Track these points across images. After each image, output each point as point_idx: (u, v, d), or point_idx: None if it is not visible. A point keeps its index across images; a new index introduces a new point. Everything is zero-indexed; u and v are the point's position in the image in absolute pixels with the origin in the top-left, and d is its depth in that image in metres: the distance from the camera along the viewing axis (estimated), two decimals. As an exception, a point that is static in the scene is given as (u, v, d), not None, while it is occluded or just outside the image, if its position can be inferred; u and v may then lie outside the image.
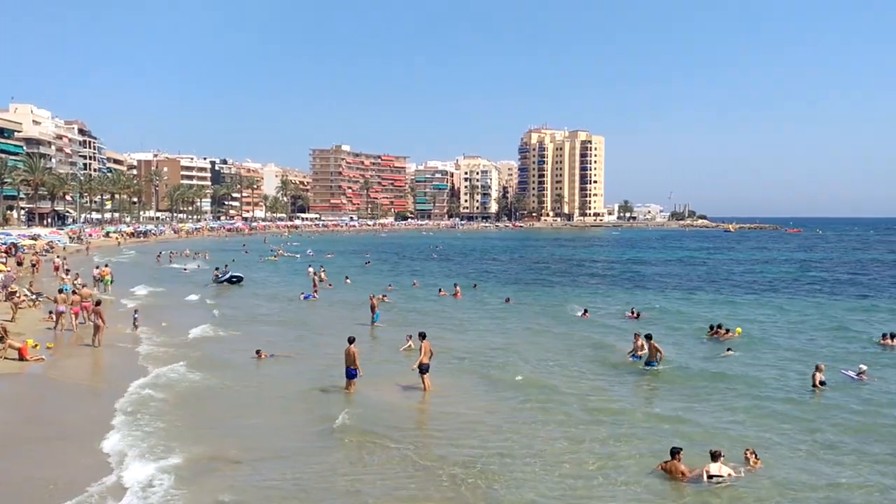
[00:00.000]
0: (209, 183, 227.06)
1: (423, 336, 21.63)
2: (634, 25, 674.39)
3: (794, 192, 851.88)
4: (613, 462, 15.06)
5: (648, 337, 25.06)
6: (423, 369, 20.99)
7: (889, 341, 28.98)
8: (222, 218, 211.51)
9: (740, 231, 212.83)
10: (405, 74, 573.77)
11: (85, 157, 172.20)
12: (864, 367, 23.19)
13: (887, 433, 17.07)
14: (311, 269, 59.15)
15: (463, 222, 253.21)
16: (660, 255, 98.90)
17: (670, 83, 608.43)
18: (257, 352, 25.76)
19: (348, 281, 54.44)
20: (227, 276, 53.29)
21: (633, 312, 38.17)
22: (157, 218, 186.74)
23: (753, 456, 14.80)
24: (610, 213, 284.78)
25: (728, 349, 27.85)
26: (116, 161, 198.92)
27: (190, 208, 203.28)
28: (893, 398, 20.60)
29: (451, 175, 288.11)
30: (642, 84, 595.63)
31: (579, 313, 37.67)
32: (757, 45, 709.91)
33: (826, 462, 15.15)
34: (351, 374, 20.49)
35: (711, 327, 31.71)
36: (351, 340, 20.84)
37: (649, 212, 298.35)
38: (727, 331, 30.92)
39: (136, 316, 31.94)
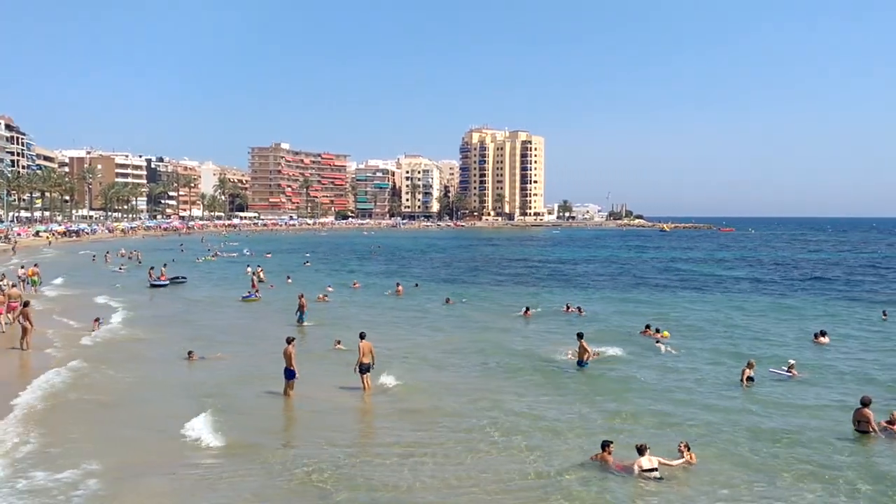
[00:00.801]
0: (145, 181, 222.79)
1: (362, 336, 21.49)
2: (573, 27, 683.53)
3: (730, 192, 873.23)
4: (544, 458, 15.14)
5: (580, 335, 25.25)
6: (364, 369, 20.90)
7: (821, 339, 29.70)
8: (159, 217, 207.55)
9: (675, 230, 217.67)
10: (345, 73, 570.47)
11: (12, 154, 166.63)
12: (792, 362, 23.83)
13: (812, 428, 17.50)
14: (249, 269, 58.65)
15: (404, 221, 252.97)
16: (594, 254, 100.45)
17: (609, 84, 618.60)
18: (189, 353, 25.36)
19: (290, 281, 54.00)
20: (169, 278, 52.39)
21: (568, 308, 38.91)
22: (91, 217, 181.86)
23: (687, 449, 14.98)
24: (550, 213, 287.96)
25: (657, 342, 28.69)
26: (47, 158, 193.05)
27: (125, 207, 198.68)
28: (819, 394, 21.11)
29: (393, 174, 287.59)
30: (581, 85, 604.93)
31: (521, 312, 38.07)
32: (690, 45, 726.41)
33: (755, 456, 15.46)
34: (289, 375, 20.21)
35: (648, 326, 32.12)
36: (289, 340, 20.56)
37: (588, 211, 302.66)
38: (657, 330, 31.43)
39: (99, 322, 31.32)
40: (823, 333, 30.27)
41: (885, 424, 17.06)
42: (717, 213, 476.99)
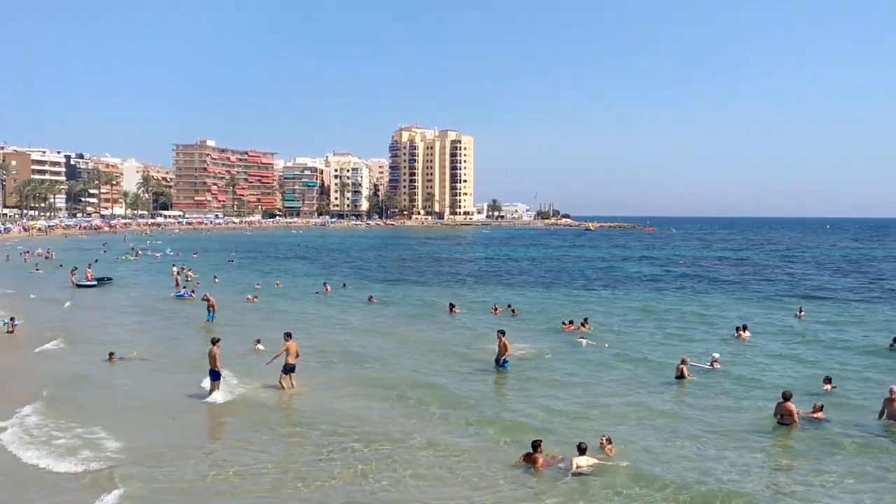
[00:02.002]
0: (64, 178, 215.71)
1: (288, 336, 21.52)
2: (500, 27, 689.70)
3: (655, 192, 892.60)
4: (474, 457, 15.20)
5: (502, 332, 24.88)
6: (288, 369, 21.05)
7: (743, 334, 30.78)
8: (79, 215, 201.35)
9: (600, 229, 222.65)
10: (273, 69, 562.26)
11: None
12: (716, 356, 24.63)
13: (737, 422, 18.09)
14: (174, 269, 57.93)
15: (333, 220, 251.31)
16: (519, 253, 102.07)
17: (538, 84, 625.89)
18: (110, 354, 25.09)
19: (216, 280, 53.75)
20: (96, 278, 51.54)
21: (496, 309, 39.00)
22: (5, 215, 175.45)
23: (608, 443, 15.18)
24: (479, 212, 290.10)
25: (581, 338, 29.36)
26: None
27: (42, 205, 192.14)
28: (743, 388, 21.66)
29: (321, 172, 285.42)
30: (510, 85, 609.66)
31: (446, 308, 38.73)
32: (621, 44, 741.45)
33: (680, 451, 15.73)
34: (214, 376, 20.13)
35: (570, 322, 32.94)
36: (214, 341, 20.45)
37: (516, 211, 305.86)
38: (584, 322, 32.31)
39: (14, 322, 30.72)
40: (745, 328, 31.24)
41: (808, 414, 17.72)
42: (645, 213, 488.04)
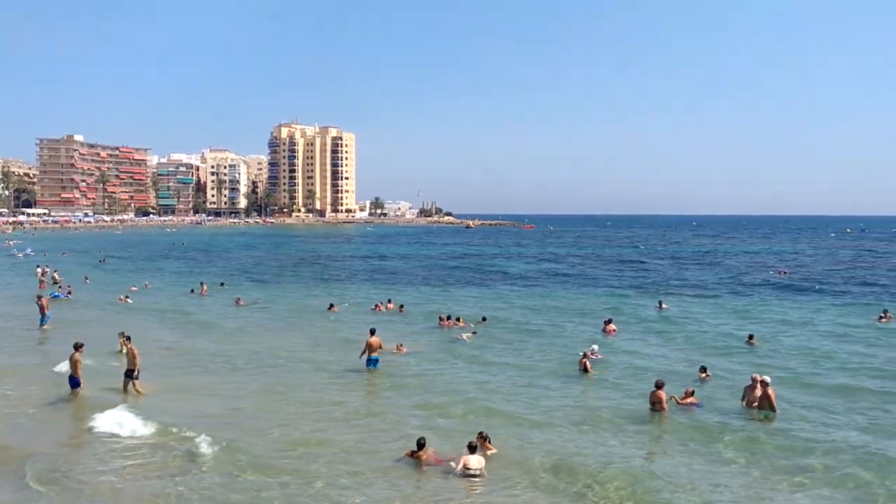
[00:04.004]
0: None
1: (127, 338, 20.93)
2: (384, 24, 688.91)
3: (539, 190, 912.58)
4: (360, 454, 15.16)
5: (372, 331, 24.35)
6: (129, 373, 20.12)
7: (608, 326, 31.99)
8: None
9: (480, 227, 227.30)
10: (144, 61, 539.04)
11: None
12: (595, 347, 25.63)
13: (614, 410, 18.94)
14: (39, 270, 55.72)
15: (210, 218, 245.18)
16: (399, 250, 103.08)
17: (418, 81, 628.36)
18: None
19: (87, 281, 51.98)
20: None
21: (377, 307, 39.15)
22: None
23: (484, 440, 15.00)
24: (362, 210, 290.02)
25: (473, 332, 30.11)
26: None
27: None
28: (615, 378, 22.69)
29: (197, 169, 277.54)
30: (391, 83, 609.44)
31: (326, 308, 38.68)
32: (506, 39, 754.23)
33: (564, 438, 16.37)
34: (74, 384, 19.28)
35: (448, 317, 33.63)
36: (77, 347, 19.61)
37: (399, 209, 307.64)
38: (458, 319, 33.10)
39: None
40: (611, 321, 32.56)
41: (682, 401, 19.12)
42: (528, 211, 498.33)
